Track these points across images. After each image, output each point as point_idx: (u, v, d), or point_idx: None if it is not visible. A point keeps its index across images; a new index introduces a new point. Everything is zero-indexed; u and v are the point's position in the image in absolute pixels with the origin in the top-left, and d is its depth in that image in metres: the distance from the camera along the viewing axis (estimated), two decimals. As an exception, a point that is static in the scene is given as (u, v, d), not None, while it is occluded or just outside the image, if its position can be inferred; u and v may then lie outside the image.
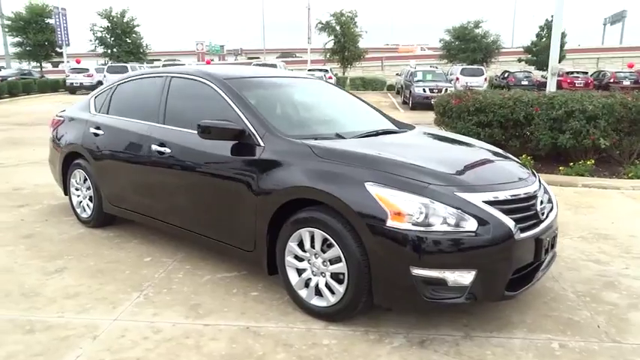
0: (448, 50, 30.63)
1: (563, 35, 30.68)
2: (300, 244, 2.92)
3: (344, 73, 28.64)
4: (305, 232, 2.86)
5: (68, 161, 4.70)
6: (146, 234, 4.40)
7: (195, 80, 3.74)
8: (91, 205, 4.51)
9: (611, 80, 25.52)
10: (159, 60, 42.88)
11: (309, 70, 25.46)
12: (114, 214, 4.41)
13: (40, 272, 3.60)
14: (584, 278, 3.58)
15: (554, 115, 7.26)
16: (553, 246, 3.00)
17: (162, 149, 3.65)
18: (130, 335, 2.73)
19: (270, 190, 2.98)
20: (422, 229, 2.51)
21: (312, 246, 2.86)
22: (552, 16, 28.67)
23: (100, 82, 28.48)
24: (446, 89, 19.10)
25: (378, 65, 41.14)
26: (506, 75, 27.36)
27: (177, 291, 3.30)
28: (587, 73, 27.25)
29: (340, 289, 2.76)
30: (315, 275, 2.90)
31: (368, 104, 4.37)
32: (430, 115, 10.12)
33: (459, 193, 2.63)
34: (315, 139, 3.19)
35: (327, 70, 26.36)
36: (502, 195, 2.74)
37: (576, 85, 24.00)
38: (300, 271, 2.98)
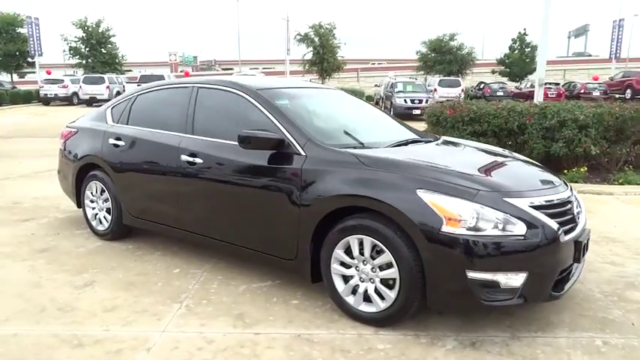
0: (425, 62, 31.29)
1: (534, 48, 31.66)
2: (347, 251, 2.96)
3: (323, 84, 28.82)
4: (353, 240, 2.90)
5: (83, 173, 4.63)
6: (167, 246, 4.36)
7: (226, 91, 3.76)
8: (109, 217, 4.45)
9: (582, 91, 26.43)
10: (130, 71, 42.22)
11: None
12: (133, 226, 4.36)
13: (70, 286, 3.53)
14: (606, 279, 3.72)
15: (547, 124, 7.51)
16: (587, 248, 3.12)
17: (192, 159, 3.64)
18: (184, 346, 2.72)
19: (316, 198, 3.01)
20: (475, 233, 2.59)
21: (361, 253, 2.90)
22: (524, 30, 29.26)
23: (75, 94, 27.98)
24: (426, 100, 19.49)
25: (354, 76, 41.60)
26: (482, 86, 28.07)
27: (217, 301, 3.28)
28: (559, 84, 28.16)
29: (391, 294, 2.81)
30: (363, 281, 2.94)
31: (386, 114, 4.46)
32: (412, 126, 10.30)
33: (507, 198, 2.72)
34: (354, 147, 3.25)
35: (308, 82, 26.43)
36: (544, 200, 2.85)
37: (549, 95, 24.72)
38: (346, 278, 3.01)
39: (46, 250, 4.30)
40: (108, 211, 4.46)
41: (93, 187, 4.55)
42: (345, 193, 2.90)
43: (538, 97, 9.76)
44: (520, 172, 3.22)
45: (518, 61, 30.26)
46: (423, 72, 30.94)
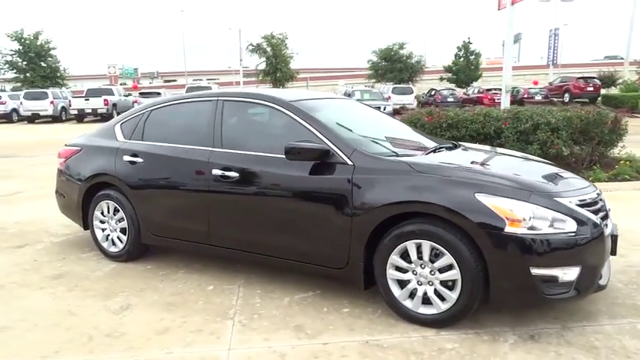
0: (376, 70, 32.04)
1: (479, 55, 33.21)
2: (403, 256, 3.04)
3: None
4: (411, 244, 2.99)
5: (91, 193, 4.46)
6: (187, 263, 4.27)
7: (257, 104, 3.76)
8: (124, 237, 4.30)
9: (525, 96, 27.91)
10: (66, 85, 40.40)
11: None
12: (152, 245, 4.25)
13: (106, 311, 3.40)
14: (618, 270, 3.98)
15: (521, 128, 7.94)
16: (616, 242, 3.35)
17: (226, 173, 3.61)
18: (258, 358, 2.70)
19: (370, 206, 3.07)
20: (535, 232, 2.74)
21: (419, 257, 2.99)
22: (469, 38, 30.36)
23: (14, 110, 26.53)
24: (384, 107, 19.96)
25: (304, 85, 41.94)
26: (433, 93, 29.03)
27: (268, 315, 3.27)
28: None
29: (453, 295, 2.91)
30: (420, 285, 3.02)
31: (400, 122, 4.59)
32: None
33: (556, 198, 2.90)
34: (397, 155, 3.35)
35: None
36: (584, 198, 3.05)
37: (496, 101, 25.90)
38: (401, 283, 3.09)
39: (59, 276, 4.10)
40: (122, 231, 4.31)
41: (104, 207, 4.39)
42: (405, 200, 2.98)
43: (504, 104, 10.26)
44: (556, 174, 3.41)
45: (464, 68, 31.60)
46: (374, 80, 31.70)
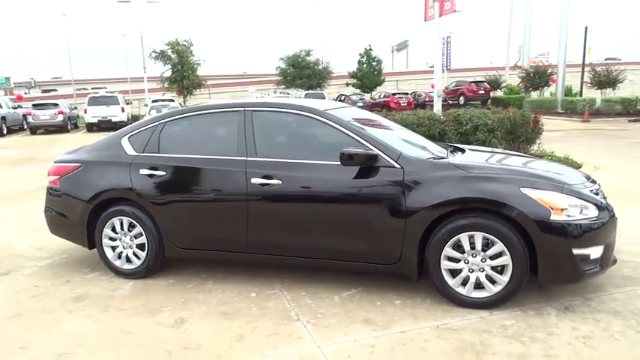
0: (285, 77, 32.44)
1: (380, 62, 35.01)
2: (455, 248, 3.39)
3: (184, 102, 28.08)
4: (464, 237, 3.34)
5: (98, 210, 4.27)
6: (210, 274, 4.26)
7: (293, 113, 3.91)
8: (142, 253, 4.18)
9: (426, 99, 29.97)
10: None
11: (154, 101, 24.42)
12: (177, 258, 4.20)
13: (163, 326, 3.35)
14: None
15: (462, 129, 8.75)
16: None
17: (268, 181, 3.71)
18: (356, 354, 2.88)
19: (424, 204, 3.38)
20: (571, 218, 3.23)
21: (471, 247, 3.35)
22: (369, 45, 31.80)
23: None
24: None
25: (206, 93, 41.17)
26: (342, 98, 30.10)
27: (330, 313, 3.43)
28: (407, 93, 31.51)
29: (504, 278, 3.31)
30: (472, 272, 3.39)
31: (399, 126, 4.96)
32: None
33: (579, 188, 3.43)
34: (434, 157, 3.71)
35: (172, 100, 25.60)
36: (593, 187, 3.62)
37: (401, 104, 27.61)
38: (453, 272, 3.43)
39: (79, 299, 3.90)
40: (140, 247, 4.19)
41: (116, 224, 4.23)
42: (460, 197, 3.32)
43: (436, 107, 11.13)
44: (561, 168, 3.96)
45: (369, 74, 33.17)
46: (284, 86, 32.10)
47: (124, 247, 4.26)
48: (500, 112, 9.39)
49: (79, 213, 4.32)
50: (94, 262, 4.71)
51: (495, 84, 32.15)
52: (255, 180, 3.75)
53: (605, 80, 25.76)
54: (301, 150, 3.83)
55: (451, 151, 4.20)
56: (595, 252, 3.32)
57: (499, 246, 3.28)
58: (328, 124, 3.76)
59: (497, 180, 3.36)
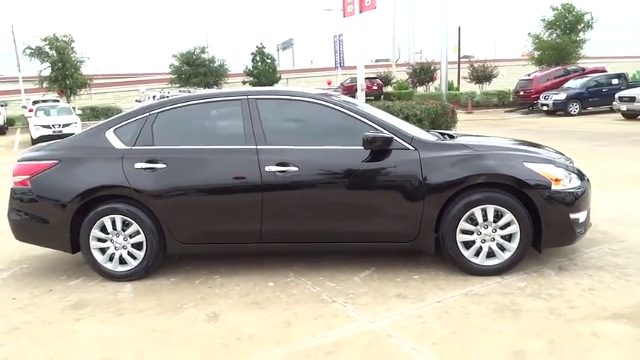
0: (179, 75, 31.18)
1: (273, 60, 35.21)
2: (469, 221, 3.68)
3: (68, 102, 25.66)
4: (478, 210, 3.65)
5: (83, 211, 3.92)
6: (211, 268, 4.13)
7: (300, 101, 3.94)
8: (140, 253, 3.92)
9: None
10: None
11: (34, 102, 22.12)
12: (181, 253, 4.02)
13: (200, 322, 3.22)
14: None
15: (394, 120, 9.28)
16: None
17: (284, 169, 3.71)
18: (412, 326, 3.03)
19: (442, 182, 3.62)
20: (566, 187, 3.69)
21: (484, 219, 3.67)
22: (261, 43, 31.63)
23: None
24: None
25: (103, 92, 38.32)
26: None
27: (360, 293, 3.54)
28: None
29: (513, 245, 3.68)
30: (484, 242, 3.71)
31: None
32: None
33: (564, 162, 3.91)
34: (441, 139, 3.98)
35: (57, 100, 23.34)
36: (568, 161, 4.14)
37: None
38: (467, 244, 3.72)
39: (80, 306, 3.58)
40: (137, 246, 3.93)
41: (107, 224, 3.92)
42: (475, 174, 3.61)
43: (361, 99, 11.60)
44: (539, 145, 4.43)
45: (264, 71, 33.14)
46: (178, 85, 30.84)
47: (116, 247, 3.96)
48: (424, 103, 10.12)
49: (59, 215, 3.93)
50: (67, 268, 4.35)
51: (386, 80, 33.93)
52: (269, 168, 3.72)
53: (482, 75, 28.47)
54: (313, 136, 3.88)
55: (448, 136, 4.49)
56: (582, 216, 3.81)
57: (508, 216, 3.63)
58: (337, 110, 3.86)
59: (503, 157, 3.72)
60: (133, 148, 3.94)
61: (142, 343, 2.99)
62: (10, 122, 25.60)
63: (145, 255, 3.93)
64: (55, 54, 26.75)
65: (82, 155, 4.01)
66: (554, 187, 3.62)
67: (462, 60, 31.59)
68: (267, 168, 3.72)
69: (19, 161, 4.14)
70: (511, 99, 25.08)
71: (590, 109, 20.25)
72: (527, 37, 28.22)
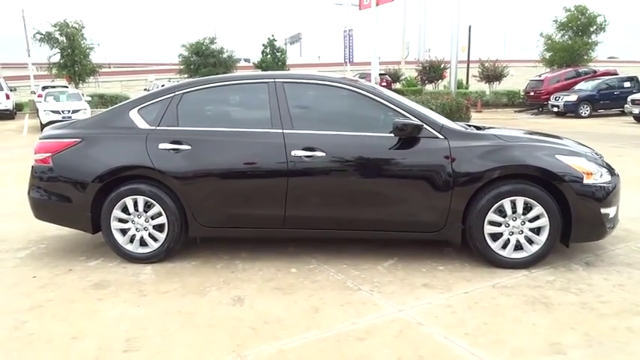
0: (188, 65, 31.11)
1: (283, 52, 35.07)
2: (497, 212, 3.62)
3: (77, 89, 25.60)
4: (507, 202, 3.58)
5: (105, 190, 3.88)
6: (232, 253, 4.09)
7: (326, 85, 3.89)
8: (161, 235, 3.88)
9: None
10: None
11: (44, 88, 22.07)
12: (203, 237, 3.98)
13: (226, 305, 3.18)
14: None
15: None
16: None
17: (311, 153, 3.65)
18: (442, 315, 2.98)
19: (472, 173, 3.56)
20: (597, 182, 3.62)
21: (513, 211, 3.61)
22: (273, 36, 31.48)
23: None
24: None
25: (112, 81, 38.22)
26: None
27: (386, 282, 3.49)
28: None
29: (542, 238, 3.61)
30: (512, 234, 3.65)
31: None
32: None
33: (595, 156, 3.84)
34: (470, 129, 3.92)
35: (66, 87, 23.31)
36: (598, 155, 4.07)
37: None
38: (494, 236, 3.66)
39: (102, 286, 3.54)
40: (158, 228, 3.89)
41: (129, 204, 3.87)
42: (505, 165, 3.55)
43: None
44: (570, 140, 4.35)
45: (272, 64, 33.00)
46: (187, 75, 30.76)
47: (137, 229, 3.92)
48: (439, 98, 10.05)
49: (80, 194, 3.89)
50: (85, 249, 4.32)
51: (395, 77, 33.78)
52: (295, 152, 3.66)
53: (493, 74, 28.30)
54: (340, 122, 3.83)
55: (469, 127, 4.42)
56: (612, 212, 3.74)
57: (538, 209, 3.57)
58: (365, 96, 3.80)
59: (535, 148, 3.66)
60: (157, 128, 3.89)
61: (167, 323, 2.94)
62: (18, 107, 25.60)
63: (166, 237, 3.88)
64: (64, 40, 26.68)
65: (105, 134, 3.96)
66: (586, 180, 3.56)
67: (471, 60, 31.45)
68: (293, 152, 3.67)
69: (40, 139, 4.10)
70: (521, 99, 24.94)
71: (600, 111, 20.13)
72: (540, 38, 28.00)
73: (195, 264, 3.92)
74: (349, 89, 3.85)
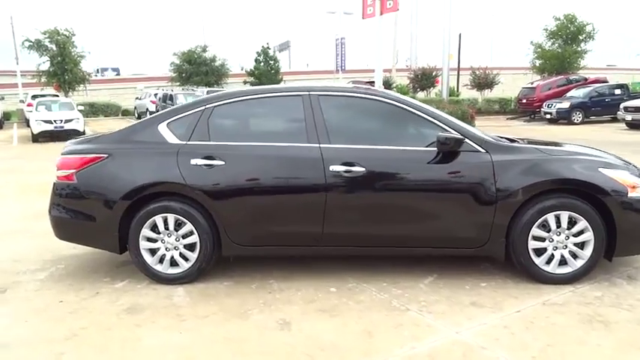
0: (180, 73, 30.85)
1: (277, 60, 35.00)
2: (541, 227, 3.54)
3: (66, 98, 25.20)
4: (551, 216, 3.51)
5: (133, 208, 3.73)
6: (264, 272, 3.95)
7: (362, 98, 3.79)
8: (192, 254, 3.74)
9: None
10: None
11: (34, 97, 21.66)
12: (236, 255, 3.84)
13: (273, 330, 3.05)
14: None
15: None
16: None
17: (350, 169, 3.54)
18: (502, 337, 2.88)
19: (514, 188, 3.48)
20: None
21: (557, 226, 3.53)
22: (267, 44, 31.48)
23: None
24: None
25: (105, 89, 37.68)
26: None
27: (432, 301, 3.39)
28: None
29: (586, 253, 3.54)
30: (556, 249, 3.57)
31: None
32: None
33: (634, 169, 3.80)
34: (511, 142, 3.85)
35: (57, 95, 22.92)
36: (636, 168, 4.02)
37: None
38: (537, 251, 3.58)
39: (135, 310, 3.38)
40: (189, 247, 3.74)
41: (159, 223, 3.72)
42: (549, 179, 3.48)
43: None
44: (601, 153, 4.31)
45: (266, 72, 32.90)
46: (178, 83, 30.52)
47: (167, 248, 3.77)
48: (444, 107, 10.02)
49: (107, 212, 3.73)
50: (108, 269, 4.16)
51: (386, 84, 33.86)
52: (334, 167, 3.56)
53: (484, 82, 28.51)
54: (378, 135, 3.74)
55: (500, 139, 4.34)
56: (653, 225, 3.69)
57: (582, 223, 3.50)
58: (403, 109, 3.72)
59: (577, 162, 3.60)
60: (189, 143, 3.76)
61: (217, 352, 2.81)
62: (6, 117, 25.13)
63: (198, 257, 3.74)
64: (55, 48, 26.29)
65: (133, 149, 3.82)
66: (631, 194, 3.50)
67: (461, 68, 31.69)
68: (331, 168, 3.56)
69: (63, 154, 3.94)
70: (513, 106, 25.14)
71: (592, 118, 20.39)
72: (530, 46, 28.32)
73: (229, 284, 3.78)
74: (386, 102, 3.76)
